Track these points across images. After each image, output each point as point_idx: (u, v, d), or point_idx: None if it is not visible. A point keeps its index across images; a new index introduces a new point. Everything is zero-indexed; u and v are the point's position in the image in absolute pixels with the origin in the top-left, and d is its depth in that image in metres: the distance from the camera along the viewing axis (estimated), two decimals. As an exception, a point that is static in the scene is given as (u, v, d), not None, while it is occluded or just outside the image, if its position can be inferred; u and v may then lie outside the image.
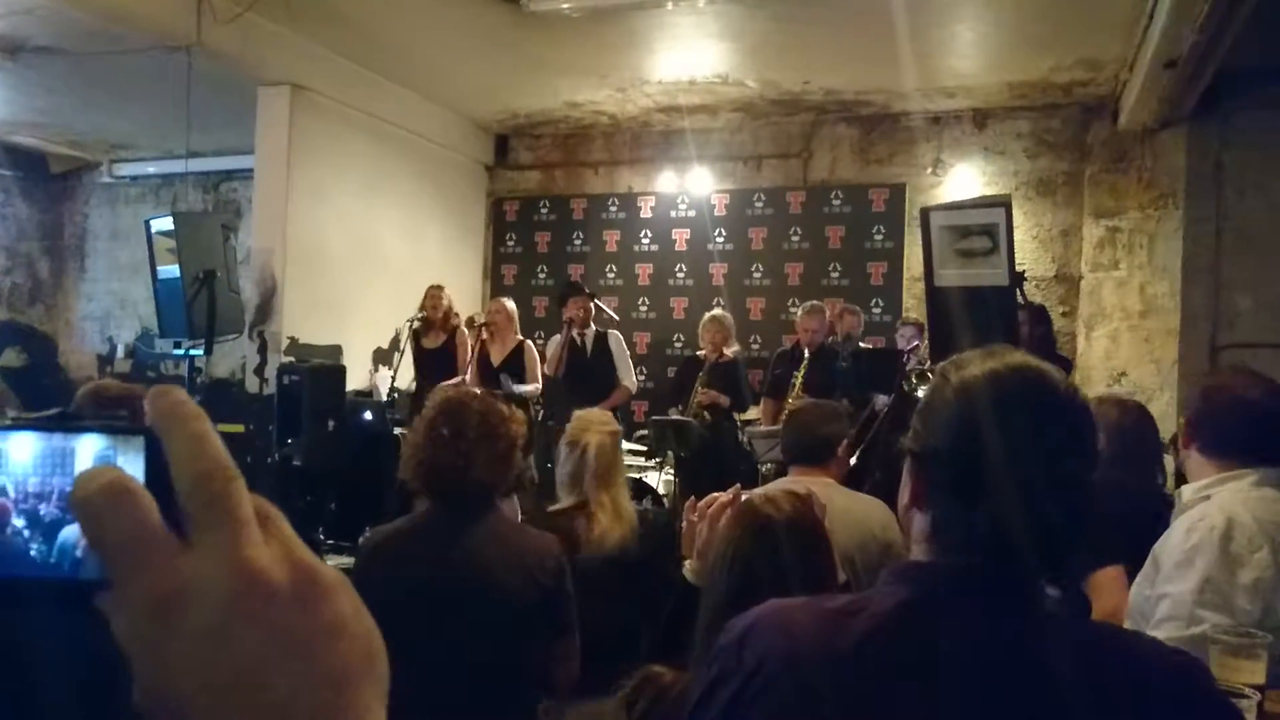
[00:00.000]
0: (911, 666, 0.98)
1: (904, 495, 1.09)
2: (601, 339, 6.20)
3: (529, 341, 6.29)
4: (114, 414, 0.47)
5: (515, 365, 6.10)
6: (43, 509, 0.42)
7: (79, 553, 0.41)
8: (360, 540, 2.49)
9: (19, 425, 0.43)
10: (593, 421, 2.78)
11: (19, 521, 0.42)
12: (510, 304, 6.37)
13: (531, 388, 6.03)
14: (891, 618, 1.00)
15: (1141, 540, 2.03)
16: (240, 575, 0.38)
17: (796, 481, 2.60)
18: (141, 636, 0.37)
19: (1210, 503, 1.90)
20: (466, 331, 6.35)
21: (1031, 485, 0.97)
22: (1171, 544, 1.89)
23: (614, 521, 2.60)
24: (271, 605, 0.38)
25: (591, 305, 6.24)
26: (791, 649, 1.02)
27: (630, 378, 6.22)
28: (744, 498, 1.77)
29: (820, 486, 2.54)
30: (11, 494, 0.43)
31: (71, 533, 0.41)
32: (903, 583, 1.04)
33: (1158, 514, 2.15)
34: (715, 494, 1.86)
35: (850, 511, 2.55)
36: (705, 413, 5.80)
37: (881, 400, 5.07)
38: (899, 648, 0.99)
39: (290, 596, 0.38)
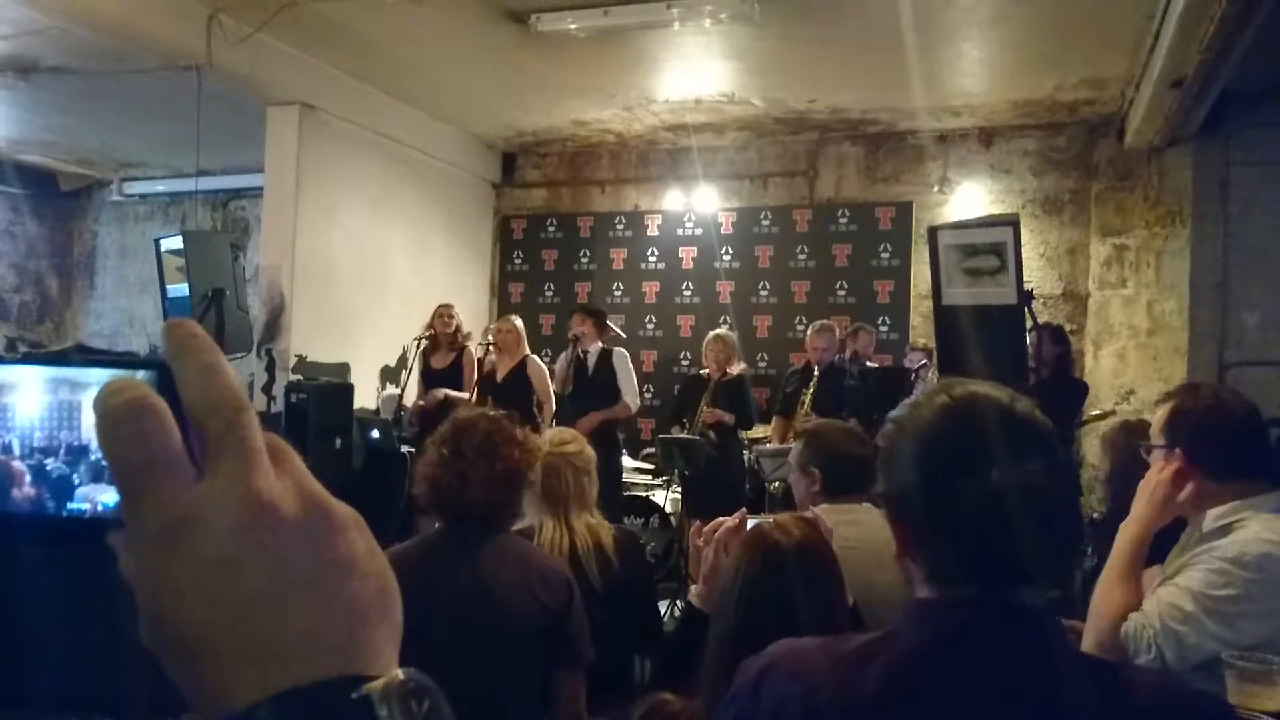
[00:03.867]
0: (934, 710, 0.97)
1: (895, 546, 1.09)
2: (606, 356, 6.13)
3: (533, 357, 6.18)
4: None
5: (520, 382, 6.03)
6: (49, 464, 0.41)
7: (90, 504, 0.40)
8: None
9: (29, 359, 0.42)
10: (547, 441, 2.64)
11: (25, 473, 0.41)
12: (519, 322, 6.31)
13: (547, 406, 5.97)
14: (909, 661, 0.99)
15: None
16: (250, 504, 0.36)
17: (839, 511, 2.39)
18: (150, 566, 0.36)
19: (1243, 533, 1.80)
20: (473, 350, 6.32)
21: (1005, 503, 0.97)
22: (1197, 563, 1.83)
23: (561, 540, 2.50)
24: (281, 536, 0.37)
25: (589, 322, 6.14)
26: (810, 694, 1.01)
27: (633, 397, 6.13)
28: (751, 523, 1.75)
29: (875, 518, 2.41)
30: (17, 450, 0.41)
31: (88, 490, 0.41)
32: (916, 623, 1.03)
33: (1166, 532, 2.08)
34: (721, 518, 1.85)
35: None
36: (711, 431, 5.78)
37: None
38: (919, 692, 0.98)
39: (301, 529, 0.37)
